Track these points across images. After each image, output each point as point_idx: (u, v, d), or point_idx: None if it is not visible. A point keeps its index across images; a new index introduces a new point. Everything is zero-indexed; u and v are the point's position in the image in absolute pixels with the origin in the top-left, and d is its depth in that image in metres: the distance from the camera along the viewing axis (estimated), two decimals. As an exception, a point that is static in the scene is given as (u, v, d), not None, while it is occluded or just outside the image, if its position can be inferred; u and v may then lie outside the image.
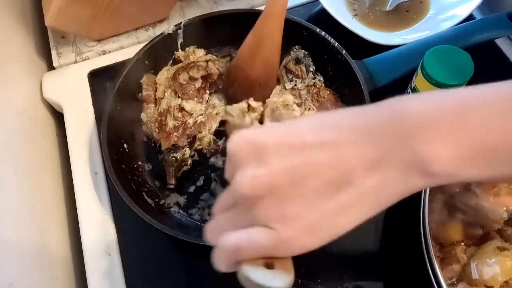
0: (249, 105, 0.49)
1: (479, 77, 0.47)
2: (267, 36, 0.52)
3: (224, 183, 0.56)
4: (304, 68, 0.59)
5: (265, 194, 0.25)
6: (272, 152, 0.25)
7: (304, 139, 0.25)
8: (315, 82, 0.59)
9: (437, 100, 0.24)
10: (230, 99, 0.60)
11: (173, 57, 0.63)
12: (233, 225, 0.27)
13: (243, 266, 0.26)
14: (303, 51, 0.60)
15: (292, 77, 0.60)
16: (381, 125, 0.24)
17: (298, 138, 0.25)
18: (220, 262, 0.28)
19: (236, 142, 0.27)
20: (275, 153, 0.25)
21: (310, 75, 0.60)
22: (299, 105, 0.57)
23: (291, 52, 0.61)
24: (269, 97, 0.59)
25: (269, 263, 0.27)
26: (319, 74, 0.61)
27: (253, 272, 0.26)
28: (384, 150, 0.23)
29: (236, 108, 0.54)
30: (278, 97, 0.58)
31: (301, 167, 0.25)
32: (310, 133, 0.26)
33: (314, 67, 0.60)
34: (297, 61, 0.60)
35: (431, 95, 0.25)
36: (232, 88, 0.59)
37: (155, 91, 0.61)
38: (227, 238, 0.26)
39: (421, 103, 0.24)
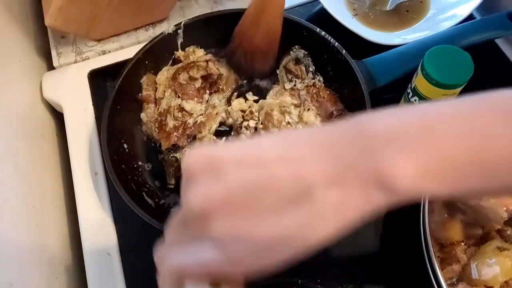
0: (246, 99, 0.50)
1: (479, 77, 0.47)
2: (270, 1, 0.53)
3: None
4: (303, 68, 0.59)
5: (218, 211, 0.23)
6: (229, 168, 0.24)
7: (263, 154, 0.24)
8: (314, 82, 0.59)
9: (401, 117, 0.24)
10: (233, 66, 0.61)
11: (173, 57, 0.63)
12: (180, 248, 0.26)
13: (186, 284, 0.25)
14: (303, 51, 0.60)
15: (292, 77, 0.60)
16: (344, 141, 0.23)
17: (257, 153, 0.24)
18: (164, 286, 0.26)
19: (191, 157, 0.25)
20: (232, 168, 0.24)
21: (310, 75, 0.60)
22: (298, 105, 0.57)
23: (291, 52, 0.61)
24: (270, 66, 0.60)
25: (215, 283, 0.26)
26: (318, 74, 0.61)
27: None
28: (345, 166, 0.23)
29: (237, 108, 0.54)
30: (275, 98, 0.58)
31: (258, 182, 0.23)
32: (271, 149, 0.24)
33: (314, 67, 0.60)
34: (297, 61, 0.60)
35: (395, 111, 0.24)
36: (234, 55, 0.60)
37: (155, 91, 0.61)
38: (172, 258, 0.25)
39: (384, 119, 0.24)
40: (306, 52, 0.60)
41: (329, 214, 0.23)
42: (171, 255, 0.26)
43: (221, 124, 0.61)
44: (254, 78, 0.63)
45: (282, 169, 0.23)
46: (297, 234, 0.23)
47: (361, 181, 0.22)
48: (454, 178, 0.22)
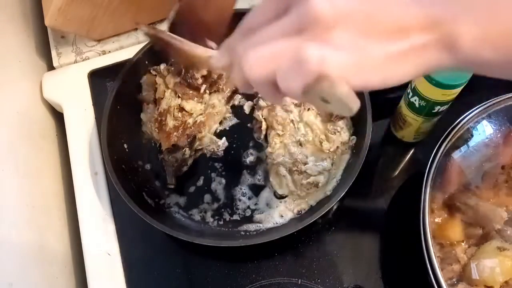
0: None
1: (479, 77, 0.47)
2: None
3: (225, 182, 0.56)
4: None
5: (342, 20, 0.25)
6: None
7: None
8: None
9: None
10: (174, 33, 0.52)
11: (173, 57, 0.63)
12: (287, 44, 0.26)
13: (334, 78, 0.25)
14: None
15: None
16: (431, 3, 0.26)
17: None
18: (295, 75, 0.26)
19: None
20: None
21: None
22: (298, 105, 0.57)
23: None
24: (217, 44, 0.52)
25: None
26: None
27: (341, 85, 0.26)
28: (433, 18, 0.25)
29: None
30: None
31: (375, 8, 0.26)
32: None
33: None
34: None
35: None
36: (178, 29, 0.53)
37: (155, 91, 0.61)
38: (310, 48, 0.25)
39: None
40: None
41: (413, 54, 0.26)
42: (305, 44, 0.26)
43: (221, 124, 0.61)
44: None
45: (392, 7, 0.26)
46: (399, 62, 0.26)
47: (439, 36, 0.25)
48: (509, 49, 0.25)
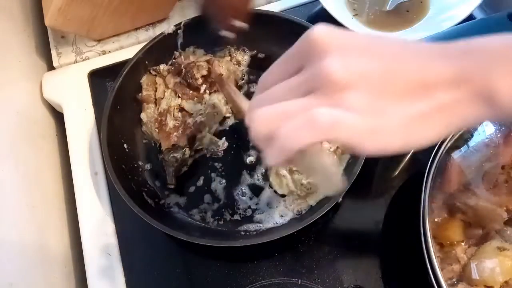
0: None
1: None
2: None
3: (225, 182, 0.56)
4: None
5: (355, 83, 0.25)
6: (358, 50, 0.26)
7: (390, 47, 0.26)
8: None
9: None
10: (206, 20, 0.56)
11: (173, 57, 0.63)
12: (310, 106, 0.25)
13: (325, 147, 0.25)
14: None
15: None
16: (461, 53, 0.25)
17: (384, 45, 0.26)
18: (305, 135, 0.25)
19: (322, 31, 0.26)
20: (362, 51, 0.26)
21: None
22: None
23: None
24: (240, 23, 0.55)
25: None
26: None
27: (331, 158, 0.25)
28: (462, 75, 0.24)
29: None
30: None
31: (391, 66, 0.25)
32: (394, 44, 0.26)
33: None
34: None
35: (506, 35, 0.26)
36: (206, 11, 0.56)
37: (155, 91, 0.61)
38: (320, 111, 0.25)
39: (498, 40, 0.25)
40: None
41: (442, 114, 0.25)
42: (314, 108, 0.25)
43: (221, 124, 0.61)
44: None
45: (408, 63, 0.25)
46: (419, 124, 0.25)
47: (473, 92, 0.24)
48: None
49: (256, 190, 0.56)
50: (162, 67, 0.62)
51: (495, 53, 0.25)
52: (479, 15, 0.68)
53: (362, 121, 0.25)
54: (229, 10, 0.54)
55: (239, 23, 0.54)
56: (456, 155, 0.48)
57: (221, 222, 0.54)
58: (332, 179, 0.26)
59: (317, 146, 0.25)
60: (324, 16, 0.64)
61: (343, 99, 0.25)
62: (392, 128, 0.25)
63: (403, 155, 0.58)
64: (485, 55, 0.25)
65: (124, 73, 0.57)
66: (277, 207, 0.54)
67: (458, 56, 0.25)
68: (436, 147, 0.46)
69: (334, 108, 0.25)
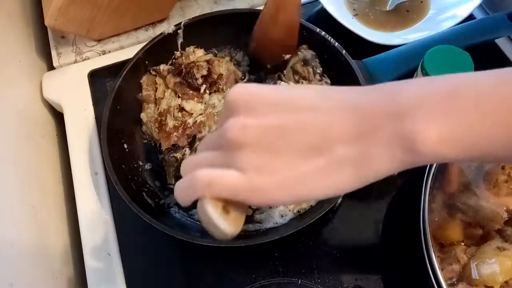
0: None
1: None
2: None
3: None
4: (311, 70, 0.59)
5: (250, 143, 0.26)
6: (266, 107, 0.27)
7: (299, 101, 0.27)
8: (321, 84, 0.59)
9: (430, 85, 0.25)
10: (256, 60, 0.62)
11: (173, 57, 0.63)
12: (209, 164, 0.29)
13: (207, 199, 0.28)
14: (310, 51, 0.59)
15: (299, 78, 0.60)
16: (374, 102, 0.25)
17: (293, 99, 0.27)
18: (188, 192, 0.29)
19: (236, 91, 0.28)
20: (269, 108, 0.27)
21: (317, 76, 0.59)
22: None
23: (299, 52, 0.60)
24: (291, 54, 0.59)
25: (226, 209, 0.29)
26: (325, 76, 0.60)
27: (211, 208, 0.28)
28: (372, 127, 0.25)
29: None
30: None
31: (289, 125, 0.26)
32: (308, 98, 0.27)
33: (321, 68, 0.59)
34: (305, 62, 0.59)
35: (424, 80, 0.26)
36: (255, 51, 0.60)
37: (155, 91, 0.61)
38: (203, 171, 0.28)
39: (414, 87, 0.25)
40: (314, 53, 0.59)
41: (347, 168, 0.25)
42: (202, 166, 0.29)
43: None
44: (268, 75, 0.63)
45: (312, 118, 0.26)
46: (314, 179, 0.26)
47: (384, 141, 0.24)
48: (475, 149, 0.24)
49: (256, 190, 0.56)
50: (162, 67, 0.62)
51: (410, 100, 0.25)
52: (479, 15, 0.68)
53: (245, 180, 0.26)
54: (278, 49, 0.58)
55: (287, 56, 0.58)
56: (456, 155, 0.48)
57: (221, 222, 0.54)
58: (219, 227, 0.29)
59: (204, 199, 0.28)
60: (324, 16, 0.64)
61: (235, 157, 0.27)
62: (281, 184, 0.26)
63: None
64: (399, 104, 0.25)
65: (124, 73, 0.57)
66: (277, 207, 0.54)
67: (368, 107, 0.25)
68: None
69: (225, 165, 0.27)
